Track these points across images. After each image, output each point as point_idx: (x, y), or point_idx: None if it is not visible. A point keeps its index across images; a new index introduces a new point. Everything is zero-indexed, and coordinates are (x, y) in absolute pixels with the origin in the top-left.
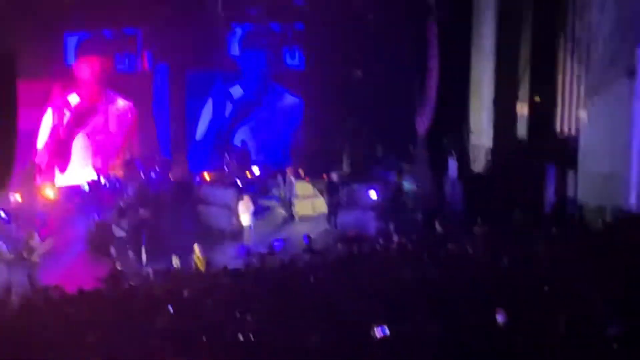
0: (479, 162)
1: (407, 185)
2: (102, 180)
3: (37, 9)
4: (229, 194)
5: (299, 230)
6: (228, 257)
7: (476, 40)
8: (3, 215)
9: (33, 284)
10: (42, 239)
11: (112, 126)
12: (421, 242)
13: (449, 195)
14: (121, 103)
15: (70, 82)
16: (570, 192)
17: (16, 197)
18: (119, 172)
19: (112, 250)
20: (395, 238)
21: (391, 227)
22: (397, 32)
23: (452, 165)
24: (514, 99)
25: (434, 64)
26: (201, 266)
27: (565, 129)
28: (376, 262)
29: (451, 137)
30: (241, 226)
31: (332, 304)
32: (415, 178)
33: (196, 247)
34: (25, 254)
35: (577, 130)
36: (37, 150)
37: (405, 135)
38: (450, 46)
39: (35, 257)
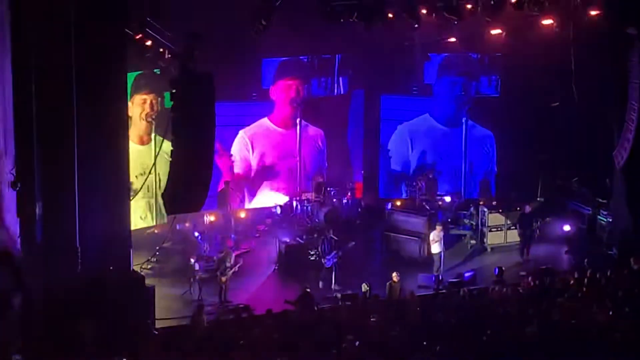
0: None
1: (603, 219)
2: (294, 204)
3: (237, 34)
4: (420, 222)
5: (489, 261)
6: (417, 285)
7: None
8: (197, 235)
9: (223, 303)
10: (235, 260)
11: (306, 150)
12: (616, 279)
13: None
14: (313, 129)
15: (265, 104)
16: None
17: (210, 218)
18: (311, 197)
19: (302, 274)
20: (589, 273)
21: (585, 261)
22: (595, 62)
23: None
24: None
25: (634, 95)
26: (395, 293)
27: None
28: (568, 296)
29: None
30: (431, 255)
31: (522, 336)
32: (611, 212)
33: (394, 274)
34: (218, 274)
35: None
36: (230, 172)
37: (601, 168)
38: None
39: (227, 277)
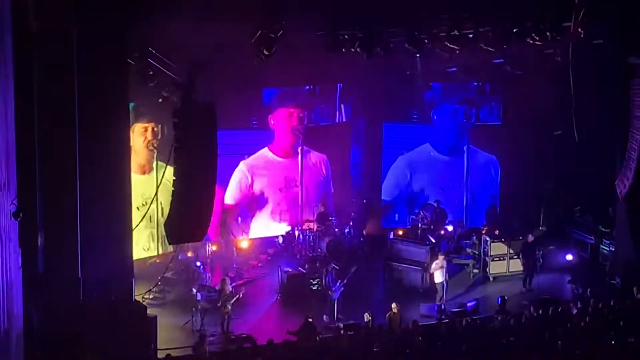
0: None
1: (606, 248)
2: (296, 234)
3: (238, 62)
4: (422, 252)
5: (492, 290)
6: (419, 314)
7: None
8: (199, 264)
9: (225, 333)
10: (236, 289)
11: (307, 179)
12: (619, 309)
13: None
14: (316, 155)
15: (266, 132)
16: None
17: (212, 248)
18: (313, 226)
19: (304, 303)
20: (592, 303)
21: (588, 291)
22: (598, 92)
23: None
24: None
25: (636, 124)
26: (395, 324)
27: None
28: (571, 327)
29: None
30: (434, 284)
31: None
32: (614, 241)
33: (394, 305)
34: (219, 303)
35: None
36: (231, 202)
37: (604, 198)
38: None
39: (228, 307)
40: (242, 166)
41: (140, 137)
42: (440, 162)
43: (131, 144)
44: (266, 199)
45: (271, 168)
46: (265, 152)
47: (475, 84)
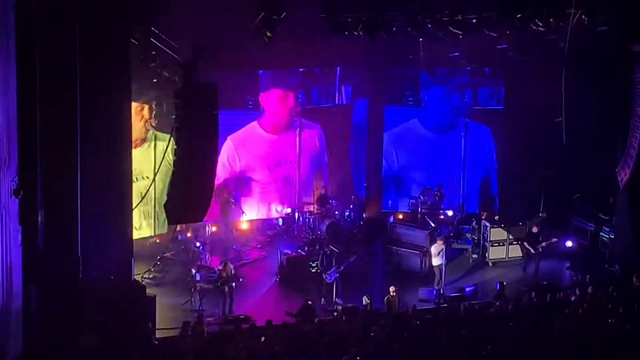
0: None
1: (605, 235)
2: (296, 216)
3: (236, 45)
4: (421, 236)
5: (491, 275)
6: (418, 299)
7: None
8: (198, 245)
9: (224, 314)
10: (236, 271)
11: (305, 160)
12: (618, 296)
13: None
14: (310, 126)
15: (257, 113)
16: None
17: (212, 229)
18: (313, 209)
19: (303, 285)
20: (591, 290)
21: (587, 278)
22: (600, 79)
23: None
24: None
25: (637, 111)
26: (393, 307)
27: None
28: (569, 313)
29: None
30: (432, 269)
31: (522, 353)
32: (613, 229)
33: (392, 288)
34: (218, 284)
35: None
36: (233, 182)
37: (604, 185)
38: None
39: (227, 288)
40: (228, 140)
41: (137, 115)
42: (432, 141)
43: None
44: (254, 178)
45: (260, 144)
46: (254, 126)
47: (470, 68)
